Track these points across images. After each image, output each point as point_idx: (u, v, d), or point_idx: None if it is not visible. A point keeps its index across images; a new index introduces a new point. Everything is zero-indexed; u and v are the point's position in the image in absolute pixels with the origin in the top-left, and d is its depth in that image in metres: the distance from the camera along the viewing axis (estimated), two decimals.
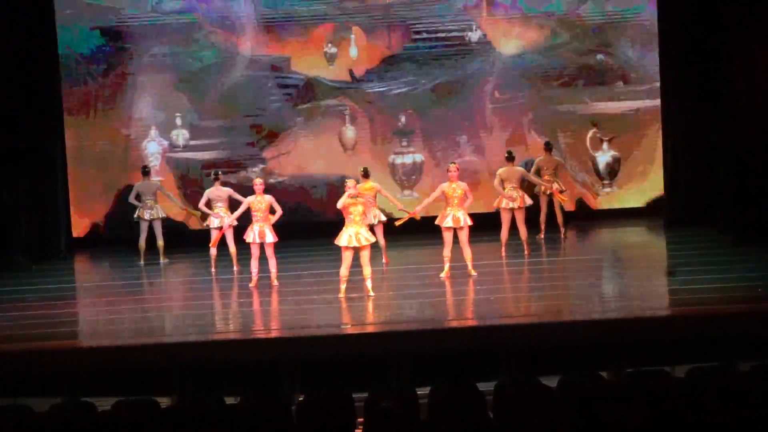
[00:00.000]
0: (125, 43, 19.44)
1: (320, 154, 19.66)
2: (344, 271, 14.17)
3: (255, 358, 12.12)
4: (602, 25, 19.55)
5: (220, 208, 16.55)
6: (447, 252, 15.19)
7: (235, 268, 16.47)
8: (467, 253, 15.15)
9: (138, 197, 17.61)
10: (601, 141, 19.65)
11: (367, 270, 14.18)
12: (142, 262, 17.57)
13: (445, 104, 19.66)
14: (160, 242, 17.59)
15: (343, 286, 14.15)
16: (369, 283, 14.21)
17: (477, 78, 19.61)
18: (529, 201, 16.78)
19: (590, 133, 19.63)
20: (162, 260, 17.62)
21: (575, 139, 19.67)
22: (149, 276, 17.20)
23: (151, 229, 17.59)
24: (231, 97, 19.61)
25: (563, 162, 18.24)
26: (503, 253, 16.57)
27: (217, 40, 19.54)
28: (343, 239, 14.13)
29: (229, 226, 16.20)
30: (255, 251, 15.20)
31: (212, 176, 16.95)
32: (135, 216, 17.63)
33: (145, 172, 17.79)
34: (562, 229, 17.91)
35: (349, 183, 14.23)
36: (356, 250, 14.11)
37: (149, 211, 17.53)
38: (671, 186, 18.80)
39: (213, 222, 16.55)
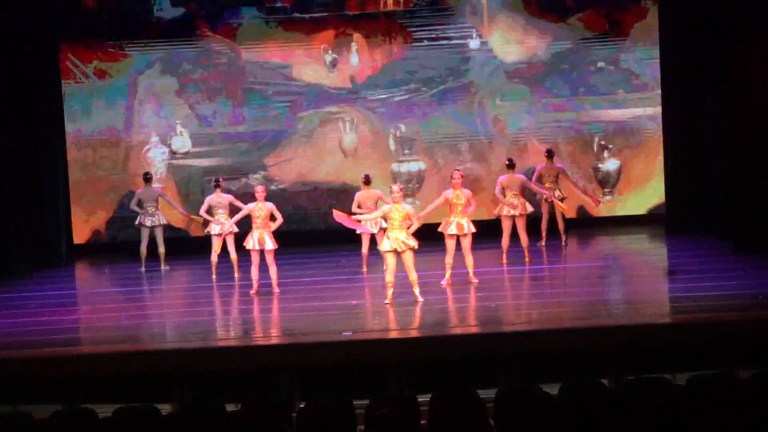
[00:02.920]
0: (126, 49, 19.47)
1: (321, 161, 19.69)
2: (389, 276, 14.10)
3: (256, 364, 12.11)
4: (604, 32, 19.56)
5: (221, 215, 16.56)
6: (449, 259, 15.16)
7: (235, 275, 16.48)
8: (469, 260, 15.13)
9: (139, 204, 17.63)
10: (603, 148, 19.67)
11: (412, 275, 14.11)
12: (143, 269, 17.59)
13: (446, 111, 19.68)
14: (161, 249, 17.61)
15: (389, 292, 14.11)
16: (416, 289, 14.12)
17: (478, 85, 19.64)
18: (530, 208, 16.77)
19: (596, 140, 19.65)
20: (163, 267, 17.64)
21: (576, 146, 19.69)
22: (150, 283, 17.21)
23: (152, 235, 17.61)
24: (232, 104, 19.63)
25: (564, 169, 18.24)
26: (504, 261, 16.57)
27: (218, 47, 19.56)
28: (385, 244, 14.11)
29: (230, 232, 16.22)
30: (255, 258, 15.20)
31: (213, 183, 16.96)
32: (136, 223, 17.65)
33: (147, 179, 17.80)
34: (563, 237, 17.91)
35: (395, 188, 14.19)
36: (398, 255, 14.06)
37: (151, 218, 17.56)
38: (672, 193, 18.81)
39: (214, 229, 16.56)
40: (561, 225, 17.85)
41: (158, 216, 17.63)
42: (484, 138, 19.73)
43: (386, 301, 14.07)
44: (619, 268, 17.12)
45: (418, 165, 19.77)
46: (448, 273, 15.17)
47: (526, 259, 16.55)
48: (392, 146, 19.73)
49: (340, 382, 11.81)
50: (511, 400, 9.55)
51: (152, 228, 17.59)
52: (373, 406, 9.39)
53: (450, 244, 15.10)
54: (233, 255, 16.47)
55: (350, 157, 19.73)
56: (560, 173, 17.91)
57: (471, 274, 15.17)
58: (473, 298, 14.62)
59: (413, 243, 14.02)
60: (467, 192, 15.18)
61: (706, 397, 9.07)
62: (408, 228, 14.05)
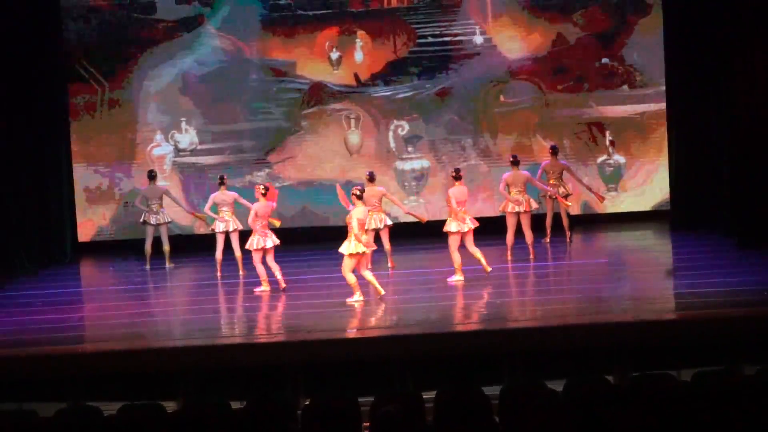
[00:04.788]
0: (131, 47, 19.47)
1: (326, 159, 19.66)
2: (352, 278, 14.23)
3: (260, 362, 12.12)
4: (608, 28, 19.53)
5: (225, 213, 16.58)
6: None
7: (240, 272, 16.48)
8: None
9: (144, 202, 17.63)
10: (609, 144, 19.63)
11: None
12: (147, 267, 17.58)
13: (451, 108, 19.66)
14: (166, 247, 17.60)
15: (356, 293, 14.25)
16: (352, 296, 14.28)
17: (482, 82, 19.60)
18: (534, 205, 16.77)
19: (606, 135, 19.61)
20: (167, 265, 17.63)
21: (581, 143, 19.65)
22: (155, 280, 17.21)
23: (157, 233, 17.60)
24: (236, 102, 19.63)
25: (569, 166, 18.22)
26: (509, 257, 16.57)
27: (223, 44, 19.55)
28: (354, 247, 14.19)
29: (235, 230, 16.37)
30: (256, 257, 15.24)
31: (218, 180, 16.95)
32: (141, 221, 17.64)
33: (151, 176, 17.79)
34: (568, 233, 17.90)
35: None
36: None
37: (155, 215, 17.55)
38: (677, 189, 18.78)
39: (218, 226, 16.58)
40: (565, 222, 17.83)
41: (163, 214, 17.63)
42: (488, 135, 19.69)
43: (349, 300, 14.16)
44: (623, 265, 17.09)
45: (421, 162, 19.74)
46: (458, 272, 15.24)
47: (531, 256, 16.55)
48: (392, 144, 19.70)
49: (345, 380, 11.82)
50: (516, 397, 9.55)
51: (157, 226, 17.58)
52: (378, 403, 9.40)
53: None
54: (238, 253, 16.48)
55: (354, 154, 19.71)
56: (565, 170, 17.89)
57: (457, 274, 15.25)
58: (478, 294, 14.61)
59: (347, 250, 14.08)
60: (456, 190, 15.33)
61: (711, 394, 9.06)
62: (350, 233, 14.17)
